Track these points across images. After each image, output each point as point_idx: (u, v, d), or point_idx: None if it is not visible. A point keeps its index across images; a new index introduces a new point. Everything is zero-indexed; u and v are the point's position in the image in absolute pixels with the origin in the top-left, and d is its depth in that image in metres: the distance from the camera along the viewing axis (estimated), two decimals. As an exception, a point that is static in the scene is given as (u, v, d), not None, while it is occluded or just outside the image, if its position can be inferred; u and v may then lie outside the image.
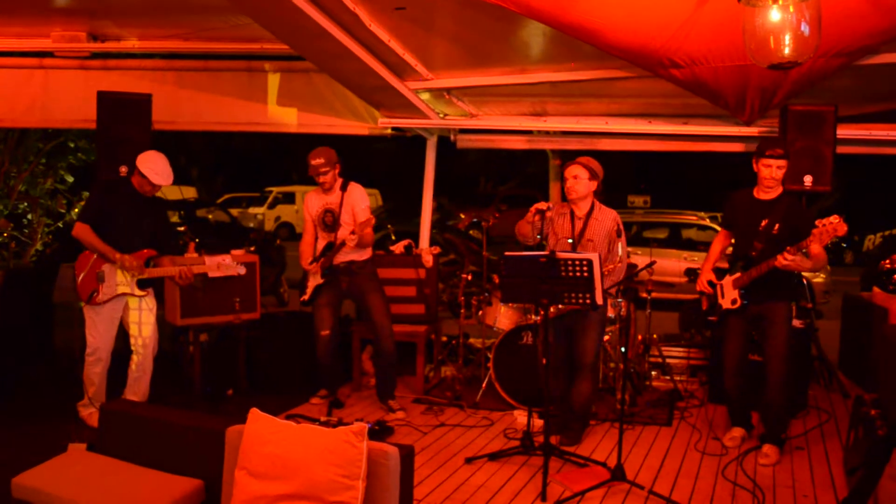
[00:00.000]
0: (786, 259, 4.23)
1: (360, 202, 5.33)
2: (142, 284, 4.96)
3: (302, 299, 5.46)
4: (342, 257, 5.30)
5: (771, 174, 4.52)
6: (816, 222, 4.08)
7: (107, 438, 3.33)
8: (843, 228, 3.99)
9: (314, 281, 5.39)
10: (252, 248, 8.25)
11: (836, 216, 4.04)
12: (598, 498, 3.99)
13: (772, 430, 4.62)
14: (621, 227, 4.79)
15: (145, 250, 4.95)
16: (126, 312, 5.00)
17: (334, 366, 5.55)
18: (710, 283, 4.77)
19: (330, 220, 5.34)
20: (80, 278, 4.84)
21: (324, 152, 5.23)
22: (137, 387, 5.06)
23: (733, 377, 4.77)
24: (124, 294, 4.93)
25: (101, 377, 4.94)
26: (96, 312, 4.87)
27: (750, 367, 4.81)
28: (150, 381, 5.13)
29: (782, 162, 4.51)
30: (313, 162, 5.24)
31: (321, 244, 5.39)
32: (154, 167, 4.88)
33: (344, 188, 5.35)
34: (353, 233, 5.09)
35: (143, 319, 5.03)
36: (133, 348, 5.03)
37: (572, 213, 4.83)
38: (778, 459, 4.52)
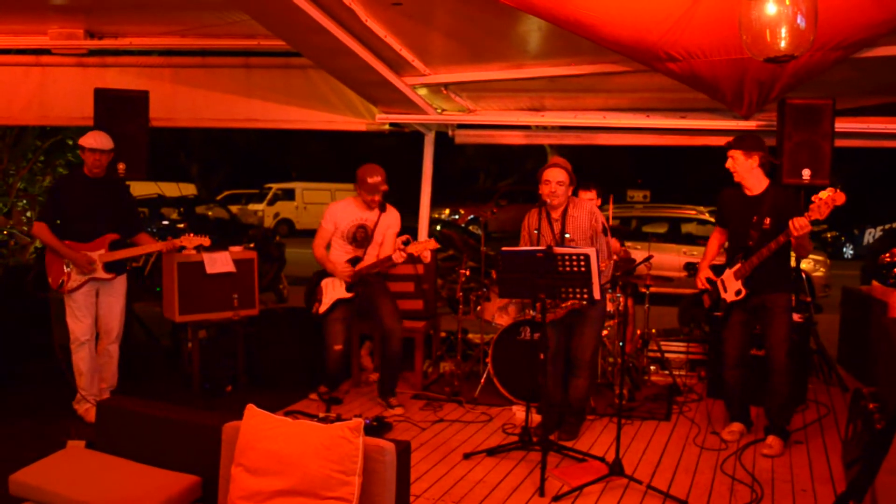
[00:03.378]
0: (797, 226, 4.15)
1: (394, 226, 5.35)
2: (108, 268, 5.00)
3: (317, 311, 5.32)
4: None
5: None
6: (813, 198, 4.08)
7: (104, 435, 3.33)
8: (841, 198, 3.99)
9: (335, 294, 5.30)
10: (251, 245, 8.24)
11: (830, 188, 4.04)
12: (597, 493, 3.99)
13: (776, 419, 4.62)
14: (605, 223, 4.74)
15: (107, 235, 5.01)
16: (97, 297, 5.06)
17: (341, 373, 5.55)
18: (710, 281, 4.78)
19: (361, 236, 5.28)
20: (50, 269, 4.94)
21: (380, 170, 5.14)
22: (105, 372, 5.14)
23: (734, 368, 4.78)
24: (93, 279, 4.98)
25: (87, 363, 4.99)
26: (73, 300, 4.95)
27: (751, 362, 4.82)
28: (119, 366, 5.21)
29: (731, 152, 4.60)
30: (372, 180, 5.09)
31: (343, 256, 5.30)
32: (92, 137, 4.97)
33: (382, 208, 5.32)
34: (402, 249, 4.99)
35: (109, 304, 5.09)
36: (98, 332, 5.10)
37: (548, 216, 4.71)
38: (781, 451, 4.53)
